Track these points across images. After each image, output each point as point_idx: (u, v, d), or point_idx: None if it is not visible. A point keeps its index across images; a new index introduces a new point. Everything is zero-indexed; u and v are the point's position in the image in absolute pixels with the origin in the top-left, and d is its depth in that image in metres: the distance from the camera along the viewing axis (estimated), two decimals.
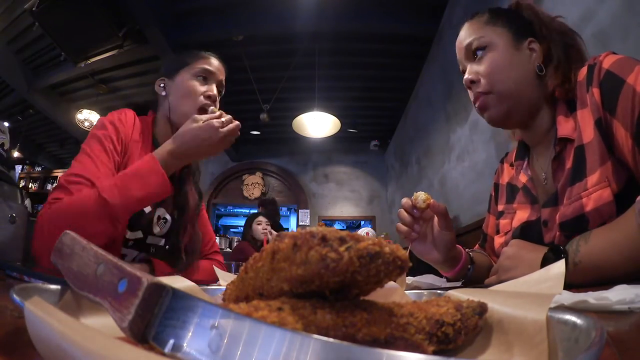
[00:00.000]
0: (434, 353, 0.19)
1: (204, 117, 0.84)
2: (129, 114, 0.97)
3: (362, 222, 6.09)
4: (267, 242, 2.82)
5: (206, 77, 1.01)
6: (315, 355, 0.12)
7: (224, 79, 1.06)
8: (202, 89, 0.99)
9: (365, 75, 4.17)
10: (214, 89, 1.01)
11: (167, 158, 0.82)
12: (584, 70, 0.68)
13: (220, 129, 0.83)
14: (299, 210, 5.86)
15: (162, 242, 0.97)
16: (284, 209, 6.81)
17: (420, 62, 3.78)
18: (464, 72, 0.80)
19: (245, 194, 5.88)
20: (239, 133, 0.87)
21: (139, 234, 0.92)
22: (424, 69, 3.82)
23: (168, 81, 1.02)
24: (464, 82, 0.78)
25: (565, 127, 0.69)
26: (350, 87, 4.37)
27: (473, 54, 0.77)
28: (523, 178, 0.80)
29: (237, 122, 0.85)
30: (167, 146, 0.83)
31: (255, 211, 3.56)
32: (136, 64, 3.80)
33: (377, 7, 3.19)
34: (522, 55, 0.74)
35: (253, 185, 5.90)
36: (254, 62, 3.81)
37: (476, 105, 0.76)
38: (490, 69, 0.73)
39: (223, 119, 0.84)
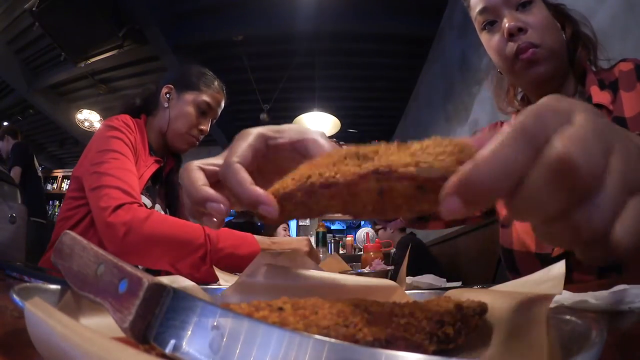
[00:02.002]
0: (434, 353, 0.19)
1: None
2: (129, 119, 0.99)
3: (362, 223, 6.09)
4: None
5: (206, 111, 1.05)
6: (315, 355, 0.12)
7: (221, 110, 1.12)
8: (199, 121, 1.05)
9: (365, 75, 4.16)
10: (207, 124, 1.07)
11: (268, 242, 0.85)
12: (629, 65, 0.71)
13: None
14: None
15: None
16: None
17: (420, 62, 3.78)
18: (485, 22, 0.75)
19: None
20: None
21: None
22: (424, 69, 3.82)
23: (174, 93, 1.05)
24: (507, 29, 0.70)
25: (600, 96, 0.70)
26: (350, 87, 4.37)
27: (517, 4, 0.72)
28: None
29: None
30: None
31: None
32: (136, 64, 3.80)
33: (377, 7, 3.19)
34: (555, 22, 0.74)
35: None
36: (254, 62, 3.81)
37: (522, 57, 0.70)
38: (541, 21, 0.71)
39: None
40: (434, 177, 0.20)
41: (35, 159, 3.36)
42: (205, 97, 1.04)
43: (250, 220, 3.56)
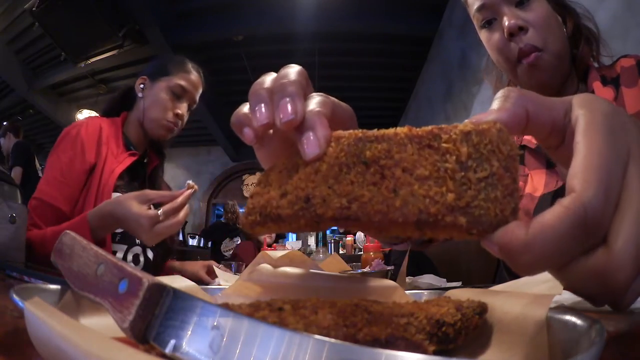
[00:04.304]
0: (434, 353, 0.19)
1: (143, 212, 0.74)
2: (92, 121, 1.00)
3: None
4: (268, 245, 2.88)
5: (180, 94, 1.04)
6: (315, 355, 0.12)
7: (198, 94, 1.09)
8: (174, 105, 1.03)
9: (365, 75, 4.16)
10: (184, 108, 1.04)
11: (100, 222, 0.78)
12: (630, 61, 0.70)
13: (150, 230, 0.75)
14: None
15: None
16: None
17: (420, 62, 3.78)
18: (484, 19, 0.72)
19: (245, 194, 5.88)
20: (179, 229, 0.83)
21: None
22: (424, 69, 3.83)
23: (148, 83, 1.05)
24: (507, 29, 0.67)
25: (603, 92, 0.68)
26: (351, 87, 4.37)
27: (516, 0, 0.68)
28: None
29: (174, 221, 0.77)
30: (106, 208, 0.78)
31: None
32: (136, 64, 3.80)
33: (377, 7, 3.19)
34: (556, 18, 0.71)
35: (253, 185, 5.89)
36: (254, 62, 3.81)
37: (525, 61, 0.67)
38: (542, 19, 0.67)
39: (160, 212, 0.75)
40: (486, 226, 0.18)
41: (36, 159, 3.36)
42: (178, 81, 1.03)
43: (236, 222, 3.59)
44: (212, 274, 1.04)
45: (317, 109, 0.24)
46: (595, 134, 0.20)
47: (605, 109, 0.21)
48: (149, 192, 0.78)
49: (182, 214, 0.78)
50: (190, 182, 0.84)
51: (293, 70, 0.26)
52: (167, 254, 1.07)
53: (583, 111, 0.21)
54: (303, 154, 0.22)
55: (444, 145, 0.18)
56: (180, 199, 0.77)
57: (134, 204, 0.75)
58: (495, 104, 0.22)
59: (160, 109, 1.01)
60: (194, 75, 1.07)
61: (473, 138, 0.18)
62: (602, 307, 0.31)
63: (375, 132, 0.20)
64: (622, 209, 0.18)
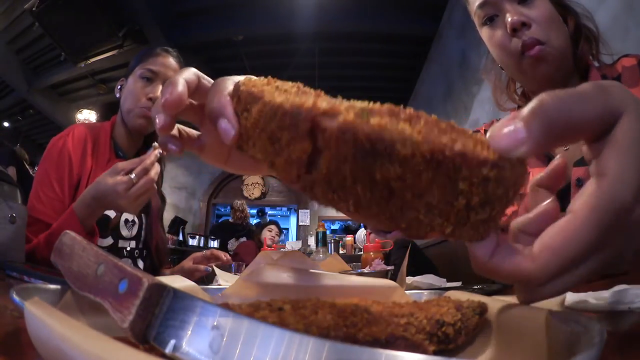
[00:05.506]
0: (434, 353, 0.20)
1: (117, 179, 0.76)
2: (77, 131, 0.99)
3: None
4: (268, 245, 2.89)
5: (150, 77, 1.01)
6: (315, 355, 0.12)
7: (174, 72, 1.05)
8: (145, 90, 0.99)
9: (365, 75, 4.16)
10: (157, 91, 1.00)
11: (86, 211, 0.78)
12: (632, 60, 0.71)
13: (126, 194, 0.75)
14: (299, 210, 5.85)
15: (133, 244, 0.99)
16: (284, 209, 6.80)
17: (420, 62, 3.78)
18: (485, 16, 0.72)
19: (246, 194, 5.87)
20: (155, 188, 0.81)
21: (110, 241, 0.94)
22: (424, 69, 3.83)
23: (124, 82, 1.05)
24: (510, 24, 0.67)
25: None
26: (350, 87, 4.37)
27: None
28: None
29: (147, 179, 0.77)
30: (88, 194, 0.78)
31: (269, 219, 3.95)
32: None
33: (377, 7, 3.19)
34: (558, 16, 0.71)
35: (253, 185, 5.90)
36: (254, 62, 3.81)
37: (528, 53, 0.67)
38: (545, 15, 0.68)
39: (133, 176, 0.76)
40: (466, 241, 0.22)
41: (24, 161, 3.33)
42: (146, 66, 1.01)
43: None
44: (204, 262, 1.05)
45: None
46: (594, 221, 0.19)
47: (627, 197, 0.19)
48: (119, 164, 0.79)
49: (152, 172, 0.79)
50: (155, 144, 0.84)
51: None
52: (157, 264, 1.07)
53: (611, 175, 0.19)
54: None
55: (460, 185, 0.17)
56: (148, 160, 0.78)
57: (107, 178, 0.77)
58: (525, 116, 0.19)
59: (132, 99, 1.00)
60: (164, 57, 1.05)
61: (491, 185, 0.18)
62: (602, 307, 0.32)
63: (386, 139, 0.17)
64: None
